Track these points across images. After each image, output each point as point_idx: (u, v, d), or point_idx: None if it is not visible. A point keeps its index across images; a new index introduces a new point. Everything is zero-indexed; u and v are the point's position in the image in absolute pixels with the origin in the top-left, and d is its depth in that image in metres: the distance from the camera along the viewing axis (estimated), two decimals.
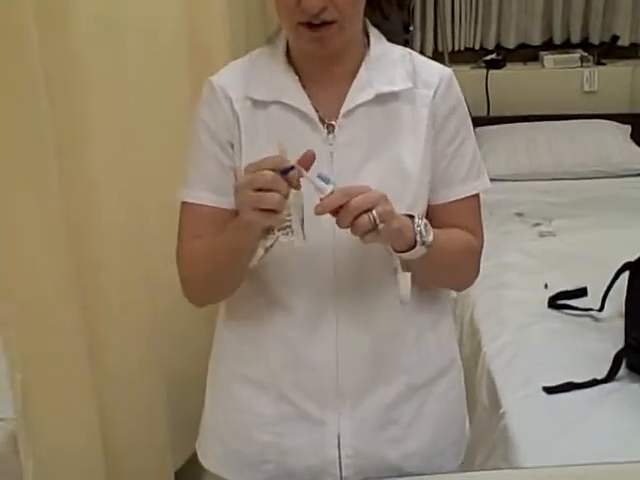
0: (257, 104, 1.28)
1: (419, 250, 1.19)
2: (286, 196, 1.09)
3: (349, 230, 1.15)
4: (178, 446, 2.08)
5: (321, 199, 1.10)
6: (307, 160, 1.11)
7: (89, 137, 1.68)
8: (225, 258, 1.25)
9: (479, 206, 1.36)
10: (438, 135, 1.30)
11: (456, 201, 1.32)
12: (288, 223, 1.12)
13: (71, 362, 1.65)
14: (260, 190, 1.08)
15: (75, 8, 1.59)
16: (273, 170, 1.09)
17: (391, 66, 1.29)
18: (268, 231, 1.14)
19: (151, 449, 2.00)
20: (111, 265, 1.78)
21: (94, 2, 1.65)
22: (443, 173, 1.31)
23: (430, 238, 1.19)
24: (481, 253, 1.36)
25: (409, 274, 1.19)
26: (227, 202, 1.30)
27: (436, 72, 1.31)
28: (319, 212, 1.10)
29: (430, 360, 1.37)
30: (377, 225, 1.10)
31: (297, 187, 1.10)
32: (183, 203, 1.32)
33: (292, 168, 1.09)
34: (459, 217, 1.33)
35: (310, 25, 1.18)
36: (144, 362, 1.94)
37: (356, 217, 1.10)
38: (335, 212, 1.10)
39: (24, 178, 1.49)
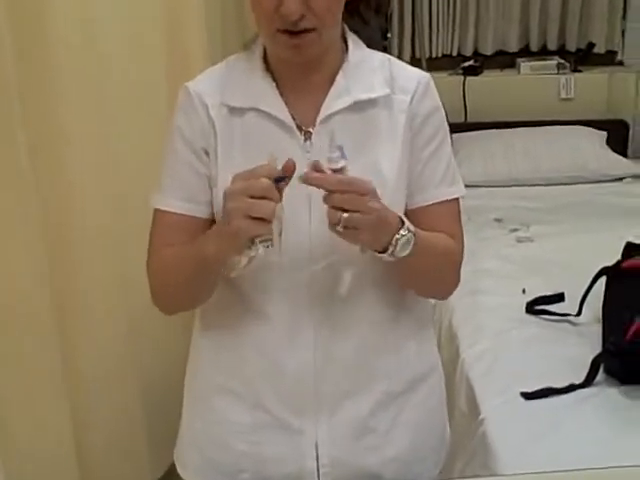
0: (233, 111, 1.26)
1: (386, 257, 1.17)
2: (277, 204, 1.08)
3: (326, 238, 1.17)
4: (157, 456, 2.06)
5: (330, 169, 1.10)
6: (288, 169, 1.10)
7: (66, 139, 1.67)
8: (199, 267, 1.22)
9: (458, 212, 1.35)
10: (414, 138, 1.29)
11: (432, 205, 1.31)
12: (269, 235, 1.11)
13: (44, 366, 1.63)
14: (253, 198, 1.07)
15: (51, 10, 1.58)
16: (267, 178, 1.08)
17: (369, 73, 1.28)
18: (252, 241, 1.12)
19: (128, 458, 1.98)
20: (88, 268, 1.76)
21: (71, 5, 1.64)
22: (418, 177, 1.30)
23: (404, 253, 1.17)
24: (462, 259, 1.35)
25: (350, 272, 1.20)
26: (200, 210, 1.28)
27: (414, 77, 1.30)
28: (304, 180, 1.09)
29: (409, 367, 1.36)
30: (338, 225, 1.09)
31: (280, 198, 1.09)
32: (156, 210, 1.30)
33: (284, 178, 1.08)
34: (434, 221, 1.31)
35: (288, 32, 1.17)
36: (120, 367, 1.92)
37: (333, 207, 1.09)
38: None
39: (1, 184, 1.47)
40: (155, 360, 2.10)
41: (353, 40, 1.31)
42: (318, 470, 1.31)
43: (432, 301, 1.52)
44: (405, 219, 1.19)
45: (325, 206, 1.12)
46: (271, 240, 1.10)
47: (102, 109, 1.77)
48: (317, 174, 1.10)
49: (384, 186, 1.23)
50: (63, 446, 1.70)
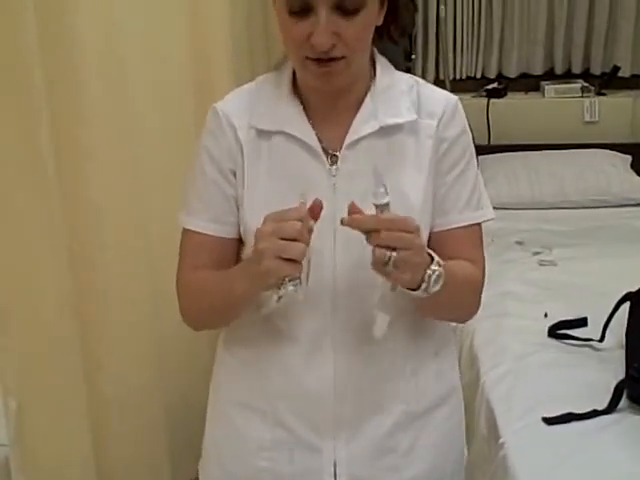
0: (261, 134, 1.28)
1: (418, 294, 1.17)
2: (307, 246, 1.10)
3: (350, 271, 1.21)
4: (179, 473, 2.06)
5: (374, 204, 1.11)
6: (316, 209, 1.12)
7: (91, 155, 1.68)
8: (226, 300, 1.26)
9: (480, 237, 1.35)
10: (440, 162, 1.29)
11: (455, 229, 1.31)
12: (298, 274, 1.12)
13: (68, 389, 1.64)
14: (284, 239, 1.08)
15: (80, 40, 1.60)
16: (300, 220, 1.09)
17: (397, 97, 1.29)
18: (281, 281, 1.13)
19: (150, 475, 1.98)
20: (113, 287, 1.77)
21: (99, 36, 1.66)
22: (442, 200, 1.30)
23: (436, 288, 1.17)
24: (483, 285, 1.35)
25: (388, 317, 1.19)
26: (226, 231, 1.30)
27: (441, 101, 1.31)
28: (346, 223, 1.11)
29: (429, 389, 1.36)
30: (388, 264, 1.09)
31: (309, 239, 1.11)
32: (184, 229, 1.33)
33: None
34: (456, 246, 1.31)
35: (318, 60, 1.18)
36: (144, 387, 1.92)
37: (379, 246, 1.09)
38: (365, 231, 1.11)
39: (27, 200, 1.50)
40: (179, 377, 2.11)
41: (382, 63, 1.32)
42: None
43: (452, 323, 1.52)
44: (434, 254, 1.19)
45: (349, 238, 1.15)
46: (299, 279, 1.12)
47: (128, 134, 1.79)
48: (358, 216, 1.11)
49: (411, 212, 1.24)
50: (85, 464, 1.70)
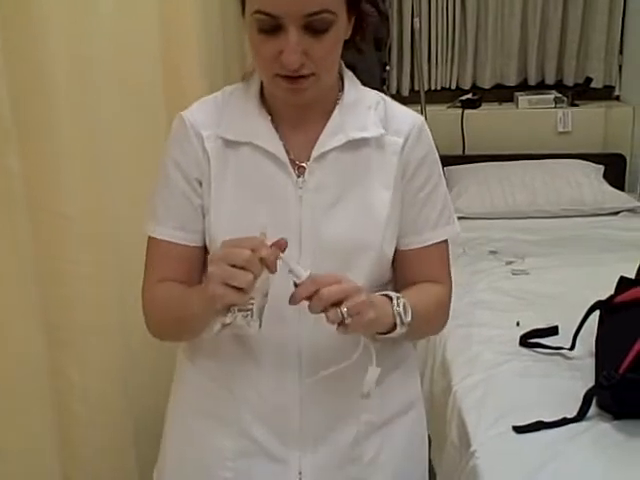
0: (228, 144, 1.28)
1: (399, 331, 1.21)
2: (256, 278, 1.09)
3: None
4: None
5: (295, 284, 1.12)
6: (280, 246, 1.11)
7: (60, 176, 1.66)
8: (183, 317, 1.25)
9: (447, 252, 1.37)
10: (409, 183, 1.31)
11: (426, 247, 1.33)
12: (250, 306, 1.11)
13: (35, 405, 1.61)
14: (234, 267, 1.08)
15: (49, 49, 1.59)
16: (252, 251, 1.08)
17: (364, 112, 1.30)
18: (229, 308, 1.12)
19: None
20: (82, 300, 1.75)
21: (68, 44, 1.64)
22: (414, 219, 1.32)
23: (409, 318, 1.20)
24: (450, 300, 1.38)
25: (378, 370, 1.20)
26: (194, 239, 1.30)
27: (408, 120, 1.32)
28: (293, 302, 1.12)
29: (393, 398, 1.37)
30: (344, 319, 1.11)
31: (273, 271, 1.10)
32: (150, 238, 1.32)
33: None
34: (428, 264, 1.34)
35: (287, 77, 1.19)
36: (113, 401, 1.90)
37: (326, 309, 1.10)
38: (308, 298, 1.12)
39: None
40: (147, 390, 2.09)
41: (349, 78, 1.33)
42: None
43: None
44: (389, 292, 1.24)
45: (314, 250, 1.20)
46: (250, 311, 1.11)
47: (97, 136, 1.77)
48: (298, 289, 1.12)
49: (376, 225, 1.25)
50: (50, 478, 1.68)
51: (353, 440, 1.32)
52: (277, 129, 1.28)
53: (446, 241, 1.36)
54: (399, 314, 1.20)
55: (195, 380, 1.38)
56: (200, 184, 1.29)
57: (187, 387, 1.40)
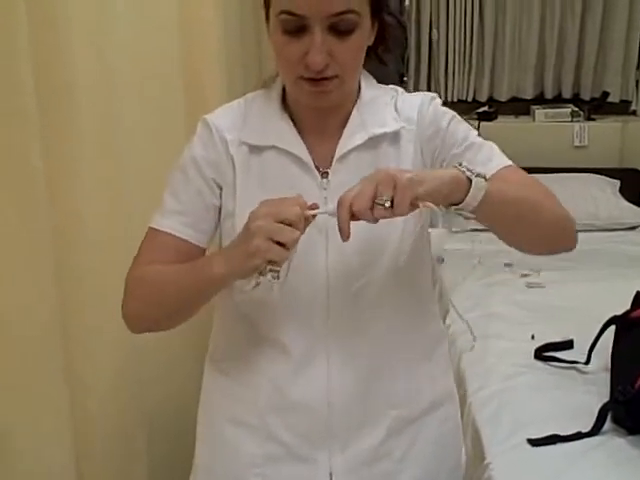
0: (252, 149, 1.29)
1: (477, 185, 1.12)
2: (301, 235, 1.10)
3: (343, 270, 1.22)
4: None
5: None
6: (312, 208, 1.13)
7: (81, 178, 1.67)
8: (198, 286, 1.22)
9: (518, 170, 1.30)
10: (441, 154, 1.29)
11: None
12: (278, 268, 1.11)
13: (51, 403, 1.62)
14: (282, 223, 1.08)
15: (70, 53, 1.60)
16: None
17: (382, 108, 1.31)
18: (264, 267, 1.12)
19: None
20: (99, 300, 1.76)
21: (89, 47, 1.66)
22: (465, 159, 1.26)
23: (481, 182, 1.12)
24: (549, 191, 1.29)
25: (445, 233, 1.14)
26: (198, 239, 1.30)
27: (415, 104, 1.32)
28: (345, 235, 1.09)
29: (422, 394, 1.37)
30: (384, 204, 1.07)
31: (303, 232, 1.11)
32: (155, 230, 1.30)
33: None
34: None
35: (311, 80, 1.20)
36: (124, 399, 1.91)
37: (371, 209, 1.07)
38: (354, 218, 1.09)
39: (13, 211, 1.48)
40: (158, 389, 2.10)
41: (365, 77, 1.33)
42: None
43: (442, 326, 1.51)
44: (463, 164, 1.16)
45: (342, 249, 1.18)
46: (279, 272, 1.11)
47: (116, 136, 1.79)
48: (340, 224, 1.09)
49: (395, 220, 1.25)
50: (64, 476, 1.69)
51: (383, 437, 1.32)
52: (300, 135, 1.29)
53: (512, 166, 1.29)
54: (466, 168, 1.12)
55: (221, 387, 1.39)
56: (219, 187, 1.30)
57: (215, 395, 1.40)
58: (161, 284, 1.26)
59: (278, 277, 1.11)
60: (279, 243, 1.08)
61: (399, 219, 1.21)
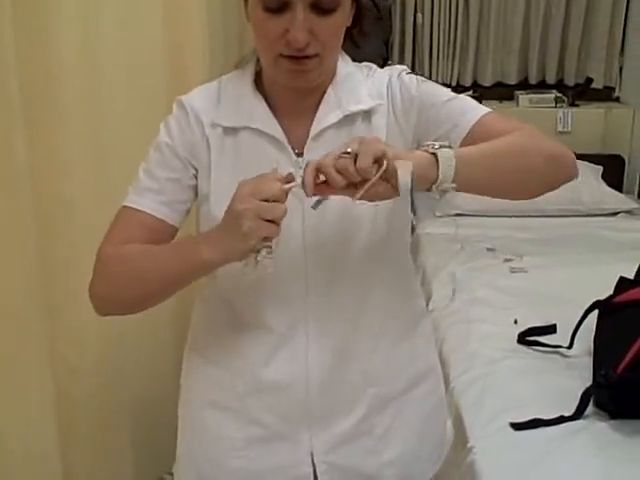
0: (227, 131, 1.27)
1: (444, 155, 1.10)
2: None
3: (320, 248, 1.22)
4: (142, 471, 2.04)
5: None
6: (289, 180, 1.11)
7: (63, 157, 1.66)
8: (185, 270, 1.19)
9: (501, 116, 1.28)
10: (420, 121, 1.27)
11: (473, 127, 1.24)
12: (270, 243, 1.11)
13: (33, 385, 1.61)
14: (265, 201, 1.08)
15: (55, 32, 1.58)
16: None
17: (357, 85, 1.30)
18: (259, 246, 1.11)
19: (113, 474, 1.96)
20: (83, 283, 1.74)
21: (74, 26, 1.65)
22: (442, 121, 1.25)
23: (449, 153, 1.10)
24: (540, 135, 1.25)
25: (410, 164, 1.10)
26: (172, 218, 1.28)
27: (384, 81, 1.31)
28: (311, 191, 1.08)
29: (403, 371, 1.37)
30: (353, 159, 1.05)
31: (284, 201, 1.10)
32: (127, 208, 1.27)
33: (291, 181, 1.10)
34: (485, 137, 1.21)
35: (291, 58, 1.18)
36: (108, 386, 1.90)
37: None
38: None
39: None
40: (142, 376, 2.09)
41: (341, 56, 1.32)
42: (315, 477, 1.32)
43: (423, 303, 1.49)
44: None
45: (317, 224, 1.19)
46: (271, 247, 1.11)
47: (99, 119, 1.78)
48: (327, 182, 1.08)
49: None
50: (49, 458, 1.68)
51: (363, 415, 1.32)
52: (275, 116, 1.28)
53: (493, 113, 1.26)
54: (429, 145, 1.11)
55: (201, 371, 1.38)
56: (194, 168, 1.28)
57: (194, 380, 1.39)
58: (140, 265, 1.23)
59: (272, 252, 1.11)
60: (268, 220, 1.08)
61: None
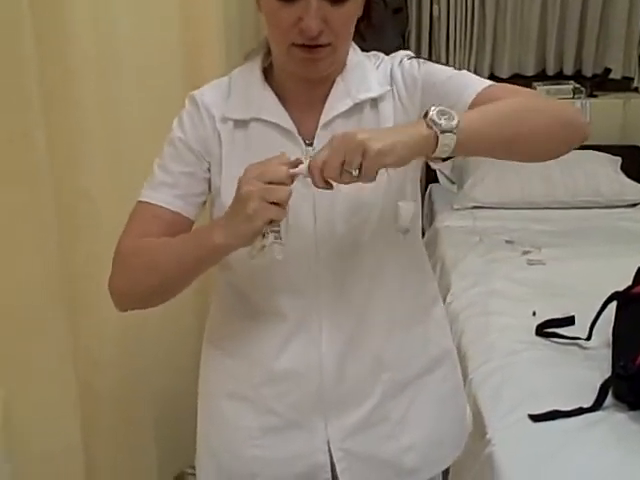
0: (237, 124, 1.29)
1: (444, 141, 1.08)
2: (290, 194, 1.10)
3: (331, 236, 1.23)
4: (165, 464, 2.06)
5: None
6: (296, 165, 1.12)
7: (85, 153, 1.67)
8: (200, 256, 1.20)
9: (507, 87, 1.26)
10: (423, 93, 1.27)
11: (475, 99, 1.22)
12: (277, 228, 1.12)
13: (56, 377, 1.63)
14: (271, 183, 1.08)
15: (72, 29, 1.60)
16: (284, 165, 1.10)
17: (367, 74, 1.31)
18: (265, 230, 1.12)
19: (136, 466, 1.98)
20: (105, 277, 1.76)
21: (91, 23, 1.66)
22: (445, 93, 1.24)
23: (455, 117, 1.08)
24: (544, 98, 1.24)
25: (412, 204, 1.16)
26: (188, 211, 1.29)
27: (388, 67, 1.32)
28: (331, 187, 1.09)
29: (417, 355, 1.38)
30: (357, 174, 1.06)
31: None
32: (143, 203, 1.29)
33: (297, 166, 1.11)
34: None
35: (304, 46, 1.19)
36: (131, 378, 1.92)
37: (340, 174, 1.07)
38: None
39: (18, 190, 1.49)
40: (165, 369, 2.11)
41: (351, 47, 1.32)
42: (332, 465, 1.33)
43: (436, 286, 1.50)
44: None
45: (329, 215, 1.21)
46: (279, 232, 1.12)
47: (119, 115, 1.79)
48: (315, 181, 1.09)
49: (380, 181, 1.24)
50: (72, 453, 1.70)
51: (378, 401, 1.33)
52: (284, 107, 1.29)
53: (495, 84, 1.24)
54: (433, 121, 1.07)
55: (217, 362, 1.40)
56: (207, 161, 1.30)
57: (211, 371, 1.41)
58: (157, 255, 1.24)
59: (280, 237, 1.12)
60: (273, 203, 1.08)
61: (383, 180, 1.18)
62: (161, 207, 1.28)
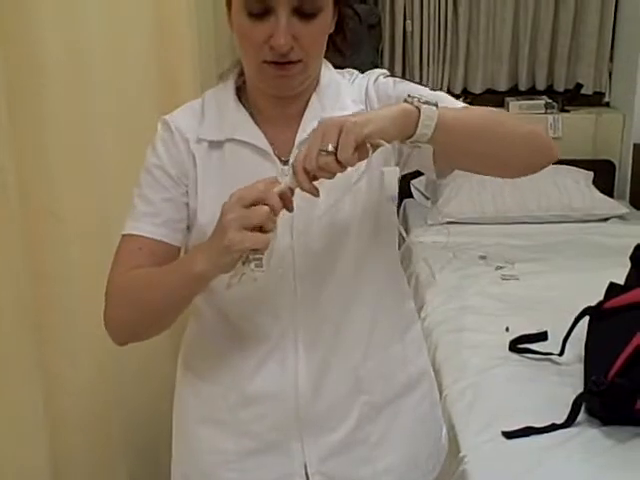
0: (212, 145, 1.28)
1: (427, 112, 1.10)
2: (276, 213, 1.08)
3: (308, 258, 1.22)
4: None
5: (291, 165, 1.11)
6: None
7: (54, 172, 1.65)
8: (183, 285, 1.19)
9: (478, 108, 1.29)
10: None
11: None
12: (260, 255, 1.09)
13: (25, 401, 1.60)
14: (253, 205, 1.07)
15: (42, 43, 1.58)
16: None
17: (341, 92, 1.30)
18: (246, 258, 1.09)
19: None
20: (75, 300, 1.74)
21: (61, 37, 1.64)
22: None
23: (432, 108, 1.11)
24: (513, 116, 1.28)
25: (396, 170, 1.15)
26: (174, 238, 1.28)
27: (363, 85, 1.32)
28: (317, 193, 1.09)
29: (394, 378, 1.37)
30: (334, 153, 1.05)
31: (290, 209, 1.11)
32: (127, 236, 1.28)
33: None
34: None
35: (275, 63, 1.19)
36: (103, 401, 1.89)
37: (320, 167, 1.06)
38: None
39: None
40: (138, 392, 2.08)
41: (324, 64, 1.32)
42: None
43: (413, 306, 1.49)
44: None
45: (307, 233, 1.20)
46: (262, 260, 1.09)
47: (90, 132, 1.77)
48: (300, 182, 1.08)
49: (357, 196, 1.25)
50: (40, 479, 1.66)
51: (355, 424, 1.32)
52: (258, 125, 1.28)
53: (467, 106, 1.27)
54: (415, 98, 1.10)
55: (192, 386, 1.38)
56: (184, 185, 1.28)
57: (186, 395, 1.39)
58: (147, 288, 1.24)
59: (262, 265, 1.09)
60: (257, 229, 1.07)
61: (359, 197, 1.22)
62: (146, 237, 1.27)
